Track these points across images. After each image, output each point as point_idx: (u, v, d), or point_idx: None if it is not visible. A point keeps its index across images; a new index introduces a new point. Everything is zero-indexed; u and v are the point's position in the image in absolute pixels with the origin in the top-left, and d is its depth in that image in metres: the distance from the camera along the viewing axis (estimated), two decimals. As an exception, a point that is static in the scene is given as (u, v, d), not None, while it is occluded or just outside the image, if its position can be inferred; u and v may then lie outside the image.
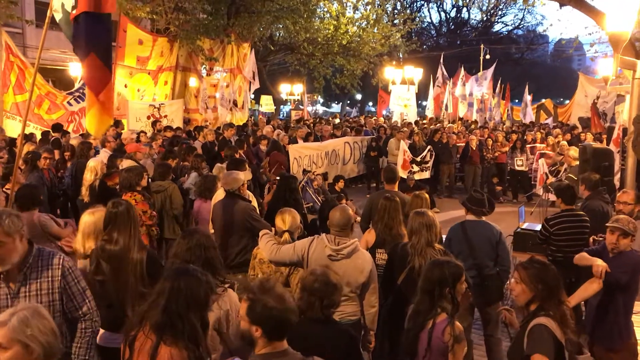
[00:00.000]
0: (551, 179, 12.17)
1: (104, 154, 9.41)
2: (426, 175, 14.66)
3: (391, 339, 4.82)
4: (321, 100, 53.90)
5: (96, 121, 6.15)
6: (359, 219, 7.08)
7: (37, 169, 7.96)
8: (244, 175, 6.29)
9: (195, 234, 3.82)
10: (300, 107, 32.47)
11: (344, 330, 3.54)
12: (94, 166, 7.69)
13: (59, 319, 3.32)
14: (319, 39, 23.51)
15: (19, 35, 23.03)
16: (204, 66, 19.98)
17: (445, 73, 27.09)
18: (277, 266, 4.69)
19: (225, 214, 5.90)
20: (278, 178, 8.23)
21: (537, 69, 55.49)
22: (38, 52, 5.99)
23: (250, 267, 5.01)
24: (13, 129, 12.83)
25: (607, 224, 4.76)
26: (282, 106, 38.04)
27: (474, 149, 15.23)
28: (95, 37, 5.89)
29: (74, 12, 5.86)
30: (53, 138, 11.11)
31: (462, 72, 25.58)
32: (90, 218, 4.82)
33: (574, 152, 10.82)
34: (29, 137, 11.05)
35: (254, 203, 6.57)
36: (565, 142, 14.36)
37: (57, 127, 12.19)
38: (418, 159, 14.48)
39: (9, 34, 14.95)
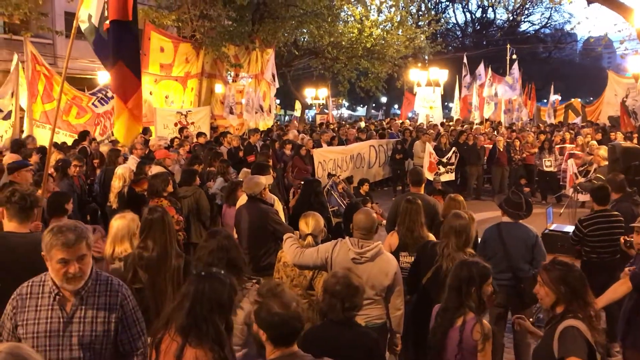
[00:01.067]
0: (580, 180, 11.98)
1: (133, 161, 9.57)
2: (451, 176, 14.54)
3: (415, 339, 4.81)
4: (346, 104, 53.92)
5: (125, 129, 6.21)
6: (384, 222, 7.06)
7: (67, 176, 8.11)
8: (265, 179, 6.32)
9: (217, 236, 3.86)
10: (325, 111, 32.55)
11: (366, 332, 3.54)
12: (122, 173, 7.80)
13: (110, 352, 3.10)
14: (343, 43, 23.50)
15: (49, 45, 23.56)
16: (229, 72, 20.15)
17: (469, 74, 26.81)
18: (300, 269, 4.70)
19: (247, 218, 5.95)
20: (302, 182, 8.26)
21: (566, 68, 54.62)
22: (65, 61, 6.13)
23: (275, 270, 5.03)
24: (43, 137, 13.11)
25: (632, 225, 4.67)
26: (307, 110, 38.17)
27: (502, 150, 15.07)
28: (123, 45, 5.97)
29: (107, 22, 5.98)
30: (80, 147, 11.31)
31: (490, 72, 25.31)
32: (122, 222, 4.91)
33: (603, 151, 10.63)
34: (60, 146, 11.30)
35: (278, 206, 6.61)
36: (594, 142, 14.11)
37: (83, 135, 12.43)
38: (444, 159, 14.39)
39: (40, 45, 15.33)
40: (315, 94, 34.51)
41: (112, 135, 14.23)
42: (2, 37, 22.04)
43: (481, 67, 26.74)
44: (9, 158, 7.86)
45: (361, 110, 57.18)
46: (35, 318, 2.94)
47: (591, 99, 40.94)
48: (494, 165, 15.23)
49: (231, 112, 18.57)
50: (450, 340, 3.57)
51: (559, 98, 32.33)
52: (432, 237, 5.45)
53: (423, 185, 7.00)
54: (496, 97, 25.12)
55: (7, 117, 13.19)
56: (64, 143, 12.27)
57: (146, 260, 4.13)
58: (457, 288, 3.64)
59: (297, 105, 34.66)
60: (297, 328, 2.70)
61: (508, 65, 31.53)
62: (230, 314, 2.88)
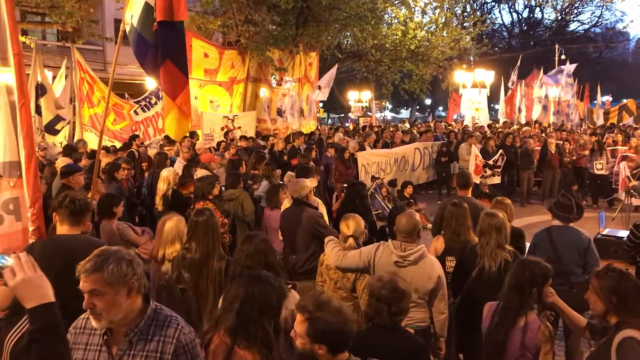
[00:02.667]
0: (633, 183, 11.57)
1: (179, 164, 9.73)
2: (497, 180, 14.23)
3: (459, 341, 4.74)
4: (390, 106, 53.61)
5: (175, 125, 6.41)
6: (429, 225, 6.95)
7: (115, 179, 8.31)
8: (311, 182, 6.33)
9: (253, 240, 3.89)
10: (369, 113, 32.41)
11: (412, 337, 3.50)
12: (167, 176, 7.93)
13: None
14: (387, 45, 23.39)
15: (100, 52, 24.27)
16: (273, 76, 20.32)
17: (515, 75, 26.20)
18: (343, 272, 4.68)
19: (293, 221, 5.97)
20: (345, 185, 8.23)
21: (618, 68, 52.86)
22: (112, 67, 6.29)
23: (317, 274, 5.03)
24: (90, 141, 13.59)
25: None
26: (349, 113, 38.08)
27: (553, 152, 14.63)
28: (170, 44, 6.15)
29: (155, 23, 6.15)
30: (129, 150, 11.57)
31: (541, 74, 24.72)
32: (170, 224, 5.03)
33: (658, 153, 10.24)
34: (109, 149, 11.60)
35: (322, 209, 6.61)
36: (649, 144, 13.61)
37: (131, 139, 12.73)
38: (490, 162, 14.10)
39: (91, 52, 15.83)
40: (358, 96, 34.39)
41: (160, 138, 14.62)
42: (56, 44, 22.85)
43: (512, 74, 26.07)
44: (61, 162, 8.09)
45: (405, 113, 56.74)
46: (83, 359, 2.56)
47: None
48: (545, 168, 14.76)
49: (280, 115, 18.72)
50: (512, 341, 3.52)
51: (610, 99, 31.33)
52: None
53: (470, 188, 6.88)
54: (546, 99, 24.53)
55: (67, 123, 13.72)
56: (113, 147, 12.60)
57: (189, 261, 4.19)
58: (519, 288, 3.60)
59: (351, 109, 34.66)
60: (353, 330, 2.71)
61: (557, 66, 30.77)
62: (279, 317, 2.89)
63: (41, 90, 13.01)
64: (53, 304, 1.81)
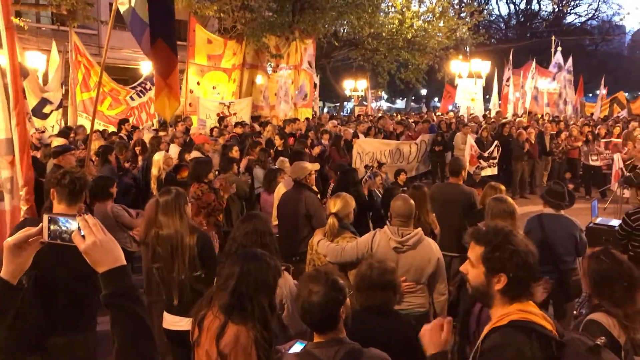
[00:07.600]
0: (627, 175, 11.62)
1: (174, 149, 9.71)
2: (494, 171, 14.21)
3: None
4: (385, 96, 53.48)
5: (166, 104, 6.42)
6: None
7: (108, 162, 8.27)
8: (312, 166, 6.30)
9: (253, 220, 3.87)
10: (364, 103, 32.37)
11: (404, 321, 3.47)
12: (158, 160, 7.93)
13: None
14: (384, 34, 23.30)
15: (94, 36, 24.05)
16: (269, 63, 20.24)
17: (511, 68, 26.04)
18: (341, 266, 4.58)
19: (291, 203, 5.94)
20: (338, 172, 8.23)
21: (613, 61, 52.89)
22: (104, 50, 6.27)
23: (307, 261, 5.02)
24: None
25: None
26: (345, 102, 38.03)
27: (533, 142, 14.60)
28: (161, 23, 6.17)
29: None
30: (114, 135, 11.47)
31: (533, 65, 24.67)
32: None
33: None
34: (102, 133, 11.55)
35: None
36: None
37: (123, 122, 12.64)
38: (485, 154, 14.10)
39: (86, 36, 15.69)
40: (354, 85, 34.30)
41: (152, 123, 14.56)
42: (50, 27, 22.66)
43: (506, 68, 25.88)
44: (56, 142, 8.07)
45: (400, 103, 56.65)
46: None
47: (638, 93, 39.56)
48: (522, 158, 14.60)
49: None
50: (472, 315, 3.52)
51: (604, 92, 31.35)
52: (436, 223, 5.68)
53: (462, 175, 6.86)
54: (536, 90, 24.54)
55: (58, 107, 13.55)
56: (105, 131, 12.54)
57: (161, 238, 4.17)
58: None
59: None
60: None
61: (553, 58, 30.71)
62: (274, 295, 2.89)
63: (22, 72, 12.83)
64: (125, 267, 1.78)
